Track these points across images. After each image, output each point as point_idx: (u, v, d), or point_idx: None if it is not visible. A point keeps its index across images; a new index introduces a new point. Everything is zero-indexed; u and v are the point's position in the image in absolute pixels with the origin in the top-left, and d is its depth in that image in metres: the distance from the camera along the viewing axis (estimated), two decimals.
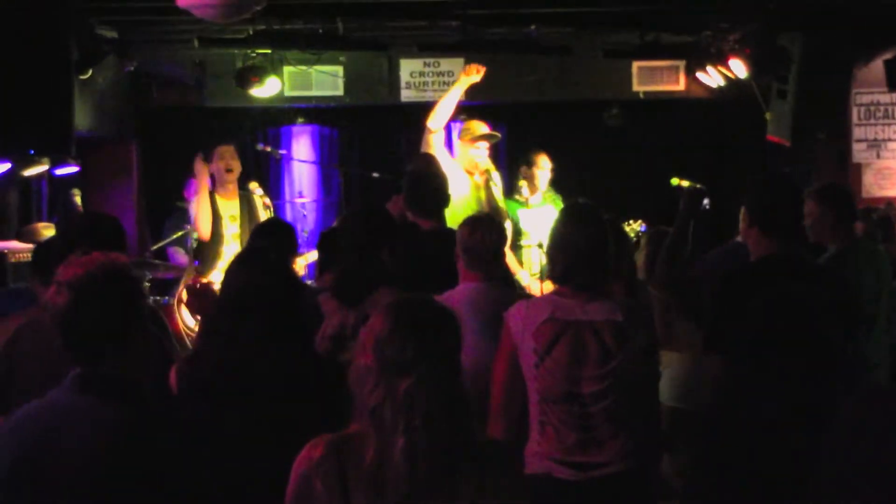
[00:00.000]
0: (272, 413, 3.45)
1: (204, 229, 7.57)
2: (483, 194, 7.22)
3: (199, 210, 7.55)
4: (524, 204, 7.85)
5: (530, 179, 7.94)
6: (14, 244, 7.43)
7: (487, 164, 7.34)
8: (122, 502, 2.77)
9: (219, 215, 7.67)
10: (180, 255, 8.78)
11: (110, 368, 2.88)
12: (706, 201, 6.87)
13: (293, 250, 5.85)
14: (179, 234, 8.63)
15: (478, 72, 7.69)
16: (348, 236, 4.89)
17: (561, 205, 7.86)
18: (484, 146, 7.36)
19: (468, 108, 8.74)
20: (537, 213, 7.81)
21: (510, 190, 7.94)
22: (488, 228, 4.86)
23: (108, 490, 2.76)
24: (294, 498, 2.53)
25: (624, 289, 4.73)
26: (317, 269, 5.57)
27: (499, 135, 7.60)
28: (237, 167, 7.76)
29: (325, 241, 5.67)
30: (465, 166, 7.32)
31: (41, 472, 2.79)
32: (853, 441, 1.88)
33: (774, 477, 4.11)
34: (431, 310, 2.61)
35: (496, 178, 7.40)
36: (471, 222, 4.94)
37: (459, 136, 7.58)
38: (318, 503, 2.48)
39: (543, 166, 7.97)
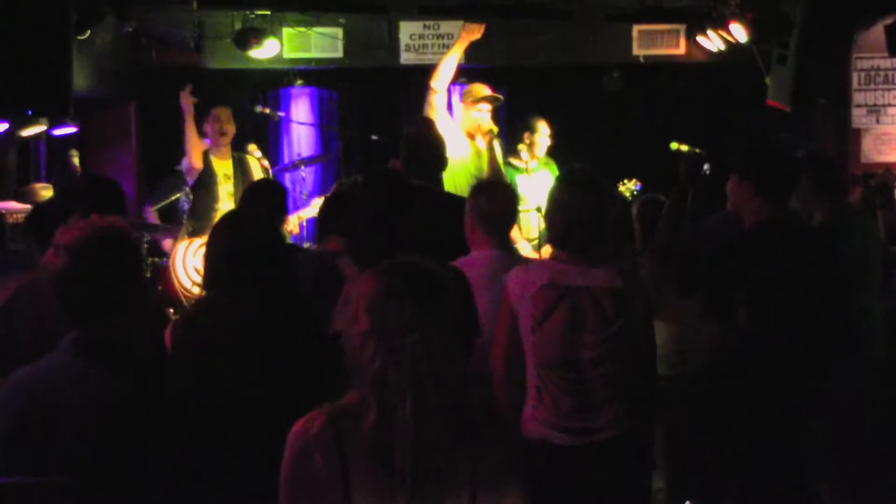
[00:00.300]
0: (265, 381, 3.45)
1: (196, 159, 7.77)
2: (485, 158, 7.19)
3: (188, 139, 7.73)
4: (522, 170, 7.83)
5: (530, 145, 7.92)
6: (12, 205, 7.42)
7: (490, 125, 7.30)
8: (113, 466, 2.78)
9: (214, 174, 7.74)
10: (152, 215, 8.82)
11: (107, 332, 2.89)
12: (706, 166, 6.86)
13: (283, 210, 5.87)
14: (177, 195, 8.66)
15: (478, 30, 7.69)
16: (368, 200, 4.87)
17: (556, 170, 7.86)
18: (486, 108, 7.33)
19: (467, 72, 8.72)
20: (535, 179, 7.79)
21: (508, 155, 7.92)
22: (506, 195, 4.79)
23: (100, 453, 2.77)
24: (292, 473, 2.45)
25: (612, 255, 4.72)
26: (317, 233, 5.55)
27: (501, 97, 7.58)
28: (231, 129, 7.90)
29: (329, 206, 5.65)
30: (466, 129, 7.30)
31: (38, 433, 2.81)
32: (847, 412, 1.89)
33: (770, 443, 4.14)
34: (424, 268, 2.52)
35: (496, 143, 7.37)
36: (489, 189, 4.83)
37: (462, 99, 7.56)
38: (317, 477, 2.41)
39: (543, 132, 7.96)
